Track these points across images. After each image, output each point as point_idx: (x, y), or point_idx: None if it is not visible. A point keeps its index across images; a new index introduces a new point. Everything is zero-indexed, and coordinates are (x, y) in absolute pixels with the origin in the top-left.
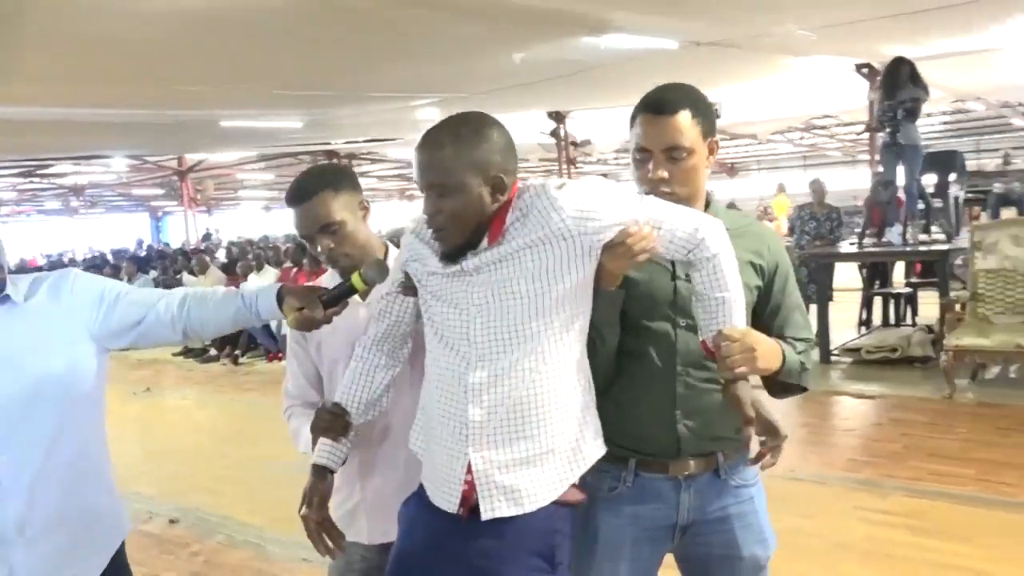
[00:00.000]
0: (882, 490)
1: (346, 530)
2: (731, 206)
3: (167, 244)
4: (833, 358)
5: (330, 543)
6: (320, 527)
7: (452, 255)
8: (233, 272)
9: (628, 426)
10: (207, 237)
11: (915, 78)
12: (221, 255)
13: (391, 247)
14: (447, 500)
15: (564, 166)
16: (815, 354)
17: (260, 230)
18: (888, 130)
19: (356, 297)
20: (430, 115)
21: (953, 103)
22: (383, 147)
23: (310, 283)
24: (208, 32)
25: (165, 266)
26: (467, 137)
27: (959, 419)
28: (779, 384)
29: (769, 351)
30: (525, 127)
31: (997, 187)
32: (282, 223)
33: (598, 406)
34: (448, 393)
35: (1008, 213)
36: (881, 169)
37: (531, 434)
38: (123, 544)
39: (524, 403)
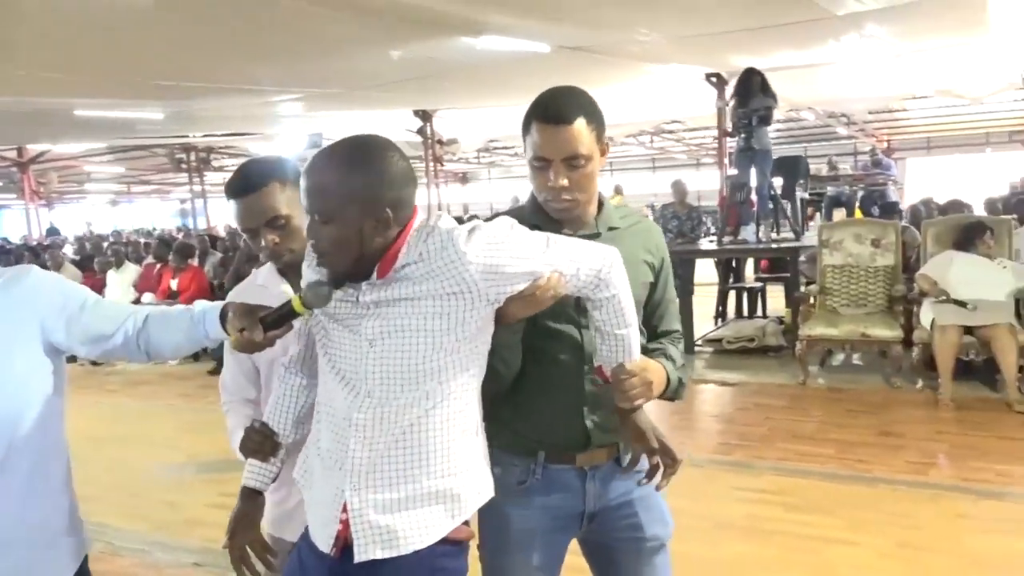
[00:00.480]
0: (755, 470)
1: (283, 529)
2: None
3: (6, 239)
4: (696, 348)
5: (260, 566)
6: (243, 555)
7: (339, 282)
8: (90, 268)
9: (537, 421)
10: (53, 232)
11: (765, 88)
12: (69, 251)
13: None
14: (322, 539)
15: (430, 164)
16: (682, 346)
17: (107, 225)
18: (743, 135)
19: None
20: (293, 110)
21: (787, 112)
22: (244, 141)
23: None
24: (72, 18)
25: (9, 262)
26: (356, 166)
27: (814, 403)
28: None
29: (660, 378)
30: (391, 124)
31: (830, 190)
32: (131, 217)
33: (507, 403)
34: (332, 425)
35: (839, 214)
36: (735, 172)
37: (412, 476)
38: (85, 562)
39: (410, 444)
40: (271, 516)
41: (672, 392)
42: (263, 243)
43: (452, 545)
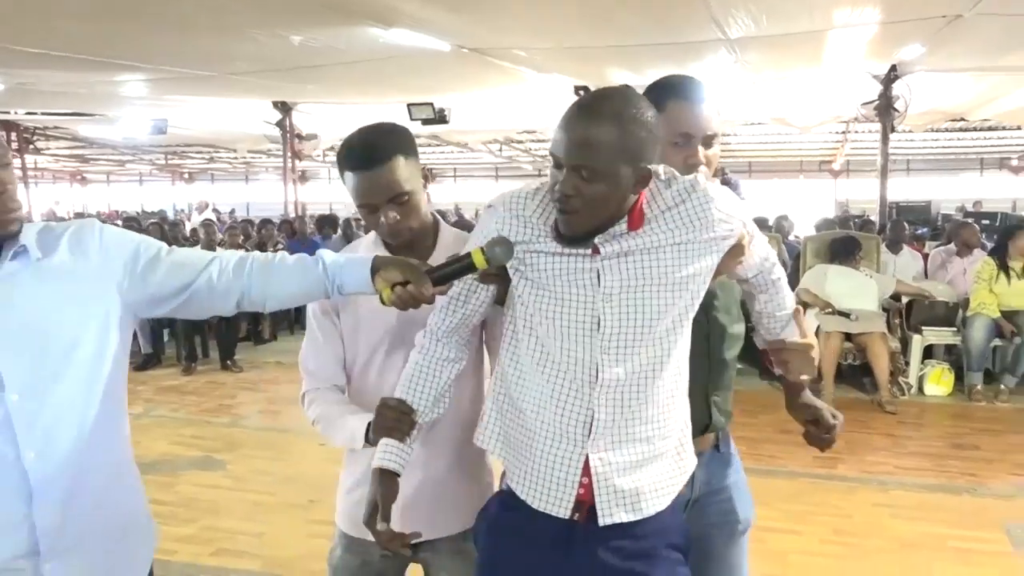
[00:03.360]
0: None
1: (360, 524)
2: None
3: None
4: None
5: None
6: (395, 539)
7: (576, 239)
8: None
9: None
10: None
11: None
12: None
13: (442, 224)
14: (556, 505)
15: (289, 159)
16: None
17: None
18: None
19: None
20: (138, 91)
21: None
22: (77, 123)
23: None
24: None
25: None
26: (631, 121)
27: None
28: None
29: (818, 353)
30: (247, 115)
31: None
32: None
33: None
34: (564, 387)
35: None
36: None
37: (648, 435)
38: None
39: (647, 402)
40: (350, 514)
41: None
42: (382, 220)
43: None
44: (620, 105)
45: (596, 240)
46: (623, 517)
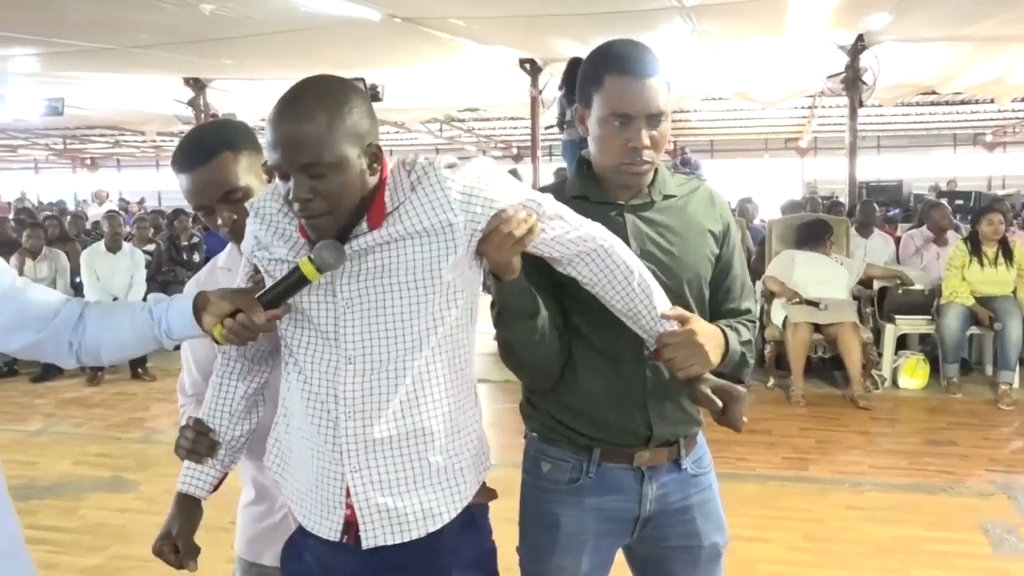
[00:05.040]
0: None
1: (262, 553)
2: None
3: None
4: None
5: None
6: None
7: (341, 240)
8: None
9: (592, 414)
10: None
11: None
12: None
13: None
14: (326, 528)
15: None
16: (755, 329)
17: None
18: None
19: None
20: (28, 67)
21: None
22: None
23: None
24: None
25: None
26: (337, 103)
27: None
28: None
29: (715, 343)
30: (155, 93)
31: None
32: None
33: (557, 394)
34: (315, 403)
35: None
36: (563, 165)
37: (416, 453)
38: None
39: (406, 415)
40: (246, 535)
41: (733, 366)
42: (219, 221)
43: (480, 508)
44: (320, 91)
45: None
46: (389, 539)
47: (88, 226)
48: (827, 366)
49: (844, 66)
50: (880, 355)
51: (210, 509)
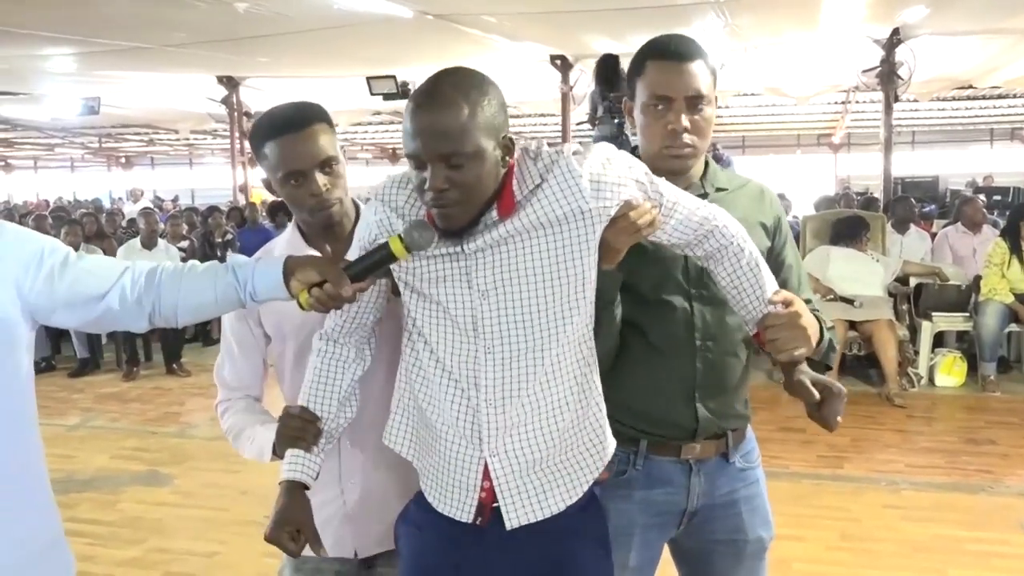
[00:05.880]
0: None
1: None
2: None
3: None
4: None
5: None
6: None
7: (455, 233)
8: None
9: (640, 407)
10: None
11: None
12: None
13: (363, 208)
14: (458, 509)
15: (237, 140)
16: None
17: None
18: (617, 121)
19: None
20: (65, 67)
21: None
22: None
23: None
24: None
25: None
26: (478, 94)
27: None
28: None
29: (814, 327)
30: (189, 92)
31: None
32: None
33: (605, 384)
34: (455, 391)
35: None
36: None
37: (551, 431)
38: None
39: (543, 397)
40: None
41: (822, 354)
42: (312, 188)
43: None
44: (458, 82)
45: (464, 236)
46: (531, 517)
47: (124, 223)
48: (862, 364)
49: (879, 60)
50: (916, 353)
51: (245, 502)
